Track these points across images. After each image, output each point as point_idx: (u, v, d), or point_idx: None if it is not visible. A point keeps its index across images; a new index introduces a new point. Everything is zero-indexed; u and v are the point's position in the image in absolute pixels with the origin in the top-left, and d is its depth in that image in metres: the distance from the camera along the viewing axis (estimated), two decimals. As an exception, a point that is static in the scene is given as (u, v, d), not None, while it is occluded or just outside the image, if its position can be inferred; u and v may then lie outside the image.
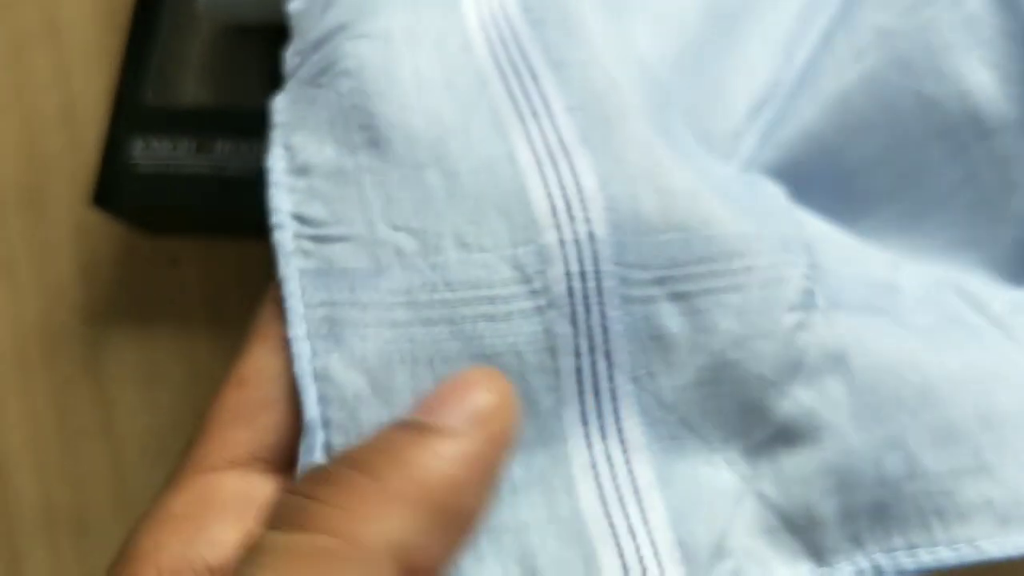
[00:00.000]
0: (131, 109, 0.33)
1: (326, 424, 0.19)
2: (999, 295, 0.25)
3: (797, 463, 0.20)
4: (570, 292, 0.19)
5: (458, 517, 0.17)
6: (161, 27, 0.35)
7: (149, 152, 0.33)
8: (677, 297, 0.20)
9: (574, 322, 0.19)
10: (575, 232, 0.19)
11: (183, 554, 0.18)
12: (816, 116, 0.26)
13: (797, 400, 0.20)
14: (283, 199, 0.21)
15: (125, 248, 0.36)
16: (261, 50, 0.34)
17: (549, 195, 0.20)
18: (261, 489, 0.19)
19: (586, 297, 0.19)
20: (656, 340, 0.20)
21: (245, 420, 0.20)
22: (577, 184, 0.20)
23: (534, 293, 0.19)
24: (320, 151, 0.21)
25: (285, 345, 0.20)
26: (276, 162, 0.21)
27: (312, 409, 0.19)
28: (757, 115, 0.27)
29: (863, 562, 0.20)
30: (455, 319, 0.19)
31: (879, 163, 0.26)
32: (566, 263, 0.19)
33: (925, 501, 0.20)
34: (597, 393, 0.19)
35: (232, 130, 0.32)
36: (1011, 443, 0.21)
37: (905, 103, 0.26)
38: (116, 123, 0.33)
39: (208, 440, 0.19)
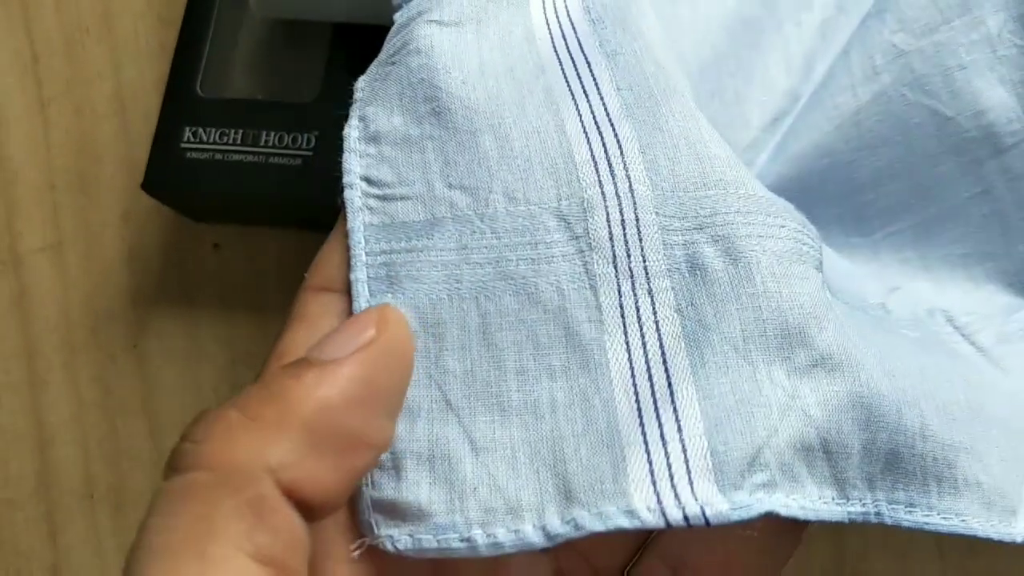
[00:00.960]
0: (183, 99, 0.35)
1: None
2: (988, 327, 0.26)
3: (837, 391, 0.20)
4: (611, 237, 0.21)
5: (339, 438, 0.18)
6: (213, 21, 0.36)
7: (198, 141, 0.34)
8: (718, 239, 0.21)
9: (615, 263, 0.21)
10: (616, 187, 0.21)
11: None
12: (830, 131, 0.27)
13: (833, 335, 0.20)
14: (355, 163, 0.23)
15: (171, 233, 0.38)
16: (309, 45, 0.35)
17: (593, 158, 0.22)
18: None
19: (627, 242, 0.21)
20: (699, 274, 0.21)
21: None
22: (620, 149, 0.22)
23: (576, 238, 0.21)
24: (389, 121, 0.23)
25: (325, 317, 0.21)
26: (351, 131, 0.23)
27: None
28: (774, 128, 0.28)
29: (870, 506, 0.20)
30: (500, 261, 0.21)
31: (892, 177, 0.27)
32: (607, 212, 0.21)
33: (931, 464, 0.21)
34: (641, 326, 0.20)
35: (278, 123, 0.34)
36: (995, 440, 0.22)
37: (919, 121, 0.26)
38: (168, 112, 0.34)
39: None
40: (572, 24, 0.25)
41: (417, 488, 0.20)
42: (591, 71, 0.23)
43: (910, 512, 0.21)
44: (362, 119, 0.23)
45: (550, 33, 0.24)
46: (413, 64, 0.23)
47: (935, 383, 0.22)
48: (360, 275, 0.22)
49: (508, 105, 0.22)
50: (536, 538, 0.19)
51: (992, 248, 0.28)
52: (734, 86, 0.28)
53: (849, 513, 0.20)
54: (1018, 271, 0.28)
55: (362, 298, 0.21)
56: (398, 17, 0.25)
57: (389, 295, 0.21)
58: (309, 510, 0.18)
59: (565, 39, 0.24)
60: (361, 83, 0.24)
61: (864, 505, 0.20)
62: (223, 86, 0.35)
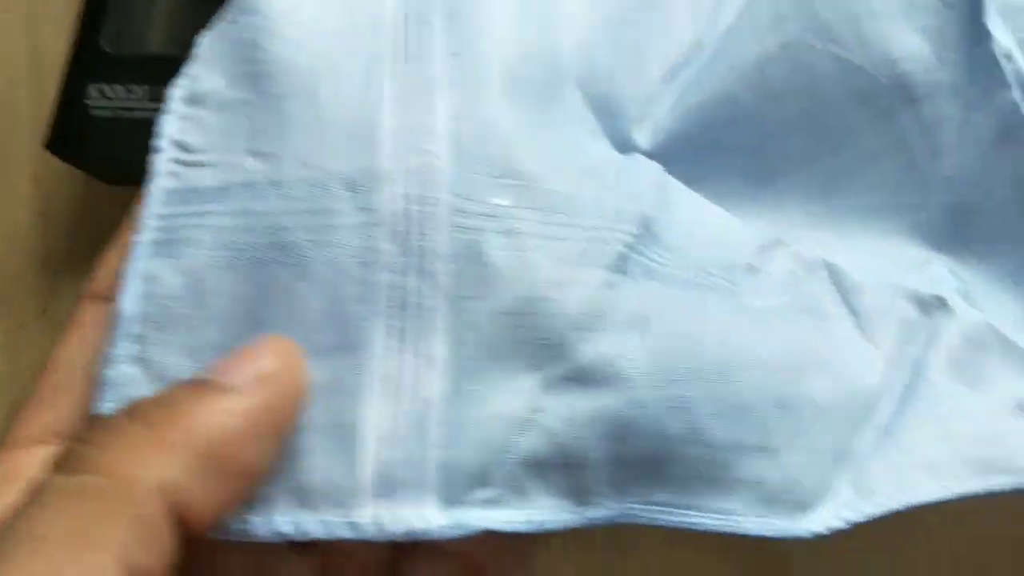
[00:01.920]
0: (88, 56, 0.33)
1: (144, 318, 0.20)
2: (876, 290, 0.26)
3: (585, 405, 0.20)
4: (399, 213, 0.20)
5: (232, 467, 0.18)
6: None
7: (103, 98, 0.33)
8: (507, 233, 0.20)
9: (398, 241, 0.20)
10: (414, 160, 0.20)
11: None
12: (733, 81, 0.26)
13: (597, 347, 0.20)
14: (171, 126, 0.22)
15: (83, 197, 0.37)
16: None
17: (398, 127, 0.21)
18: None
19: (415, 219, 0.20)
20: (480, 266, 0.20)
21: (49, 402, 0.21)
22: (432, 120, 0.21)
23: (362, 210, 0.20)
24: (212, 82, 0.22)
25: (91, 332, 0.21)
26: (176, 91, 0.22)
27: (129, 304, 0.20)
28: (674, 78, 0.27)
29: (619, 509, 0.21)
30: (280, 229, 0.20)
31: (795, 128, 0.26)
32: (399, 186, 0.20)
33: (699, 467, 0.21)
34: (408, 308, 0.20)
35: (185, 77, 0.32)
36: (808, 431, 0.22)
37: (825, 69, 0.26)
38: (72, 70, 0.33)
39: (19, 419, 0.21)
40: None
41: None
42: (426, 32, 0.22)
43: (670, 513, 0.21)
44: (190, 77, 0.22)
45: None
46: (244, 23, 0.22)
47: (741, 374, 0.22)
48: (142, 238, 0.21)
49: (329, 68, 0.21)
50: (262, 531, 0.19)
51: (906, 200, 0.27)
52: (636, 36, 0.27)
53: (588, 518, 0.20)
54: (932, 223, 0.27)
55: (135, 259, 0.21)
56: None
57: (161, 258, 0.20)
58: (185, 531, 0.18)
59: None
60: (202, 39, 0.23)
61: (611, 510, 0.21)
62: (130, 42, 0.34)
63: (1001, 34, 0.25)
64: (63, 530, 0.16)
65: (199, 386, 0.19)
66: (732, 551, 0.33)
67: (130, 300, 0.20)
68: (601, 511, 0.21)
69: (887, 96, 0.26)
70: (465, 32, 0.22)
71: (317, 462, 0.19)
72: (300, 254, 0.20)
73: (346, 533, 0.19)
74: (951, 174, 0.26)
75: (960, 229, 0.27)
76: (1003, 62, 0.25)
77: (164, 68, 0.32)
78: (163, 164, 0.22)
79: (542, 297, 0.20)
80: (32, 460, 0.20)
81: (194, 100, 0.22)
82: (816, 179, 0.27)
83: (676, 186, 0.25)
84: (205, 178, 0.21)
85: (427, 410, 0.20)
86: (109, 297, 0.21)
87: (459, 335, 0.20)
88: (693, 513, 0.21)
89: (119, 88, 0.33)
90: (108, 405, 0.20)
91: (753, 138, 0.27)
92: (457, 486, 0.19)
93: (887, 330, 0.25)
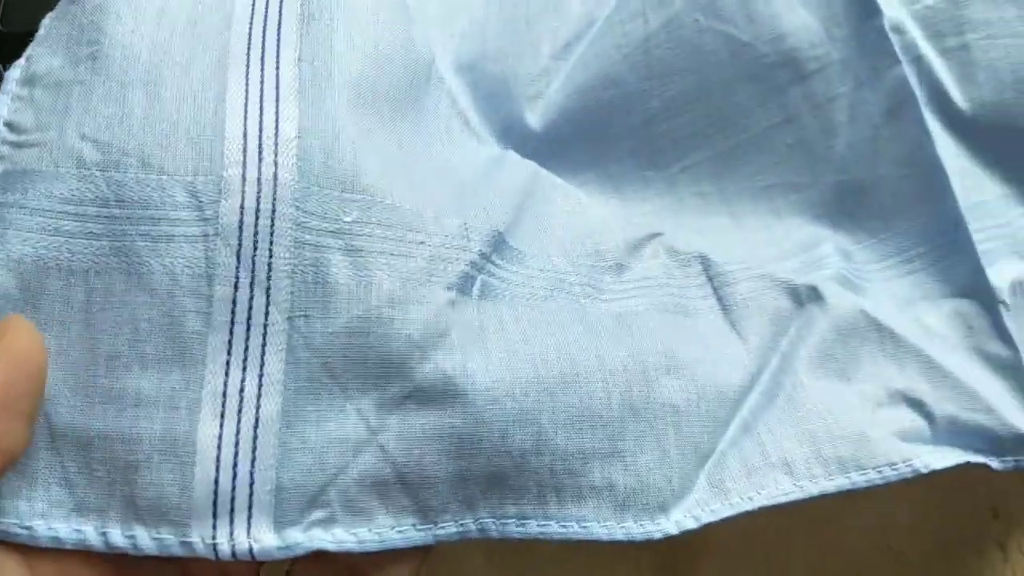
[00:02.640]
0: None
1: None
2: (750, 282, 0.26)
3: (423, 424, 0.20)
4: (241, 225, 0.19)
5: None
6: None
7: None
8: (350, 251, 0.20)
9: (239, 254, 0.19)
10: (260, 172, 0.19)
11: None
12: (619, 61, 0.26)
13: (438, 366, 0.20)
14: (3, 107, 0.21)
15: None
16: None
17: (245, 135, 0.20)
18: None
19: (257, 233, 0.19)
20: (320, 285, 0.20)
21: None
22: (277, 129, 0.20)
23: (203, 220, 0.19)
24: (49, 62, 0.21)
25: None
26: (13, 71, 0.21)
27: None
28: (566, 54, 0.26)
29: (470, 524, 0.20)
30: (119, 234, 0.19)
31: (685, 107, 0.26)
32: (243, 198, 0.19)
33: (547, 477, 0.21)
34: (248, 326, 0.19)
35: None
36: (663, 434, 0.22)
37: (712, 47, 0.25)
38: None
39: None
40: None
41: None
42: (279, 34, 0.21)
43: (522, 525, 0.21)
44: (28, 58, 0.21)
45: None
46: (88, 5, 0.21)
47: (586, 382, 0.22)
48: None
49: (173, 62, 0.20)
50: (97, 543, 0.19)
51: (798, 179, 0.27)
52: (526, 12, 0.26)
53: (437, 536, 0.20)
54: (824, 201, 0.27)
55: None
56: None
57: None
58: None
59: None
60: (45, 20, 0.22)
61: (462, 525, 0.20)
62: (28, 20, 0.33)
63: (891, 7, 0.25)
64: None
65: None
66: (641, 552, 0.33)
67: None
68: (451, 528, 0.20)
69: (776, 73, 0.25)
70: (318, 37, 0.21)
71: (152, 477, 0.19)
72: (138, 261, 0.19)
73: (179, 552, 0.18)
74: (842, 152, 0.26)
75: (852, 207, 0.27)
76: (892, 36, 0.25)
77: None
78: None
79: (381, 317, 0.20)
80: None
81: (29, 80, 0.21)
82: (707, 160, 0.27)
83: (550, 185, 0.25)
84: (34, 160, 0.20)
85: (261, 430, 0.19)
86: None
87: (296, 354, 0.19)
88: (544, 523, 0.21)
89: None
90: None
91: (640, 119, 0.26)
92: (290, 507, 0.19)
93: (758, 322, 0.25)
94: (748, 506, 0.23)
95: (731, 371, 0.24)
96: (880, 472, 0.23)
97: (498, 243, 0.22)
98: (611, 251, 0.24)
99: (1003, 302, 0.25)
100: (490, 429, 0.20)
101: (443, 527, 0.20)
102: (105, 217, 0.19)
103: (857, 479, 0.23)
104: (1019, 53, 0.25)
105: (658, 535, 0.21)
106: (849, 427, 0.24)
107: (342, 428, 0.19)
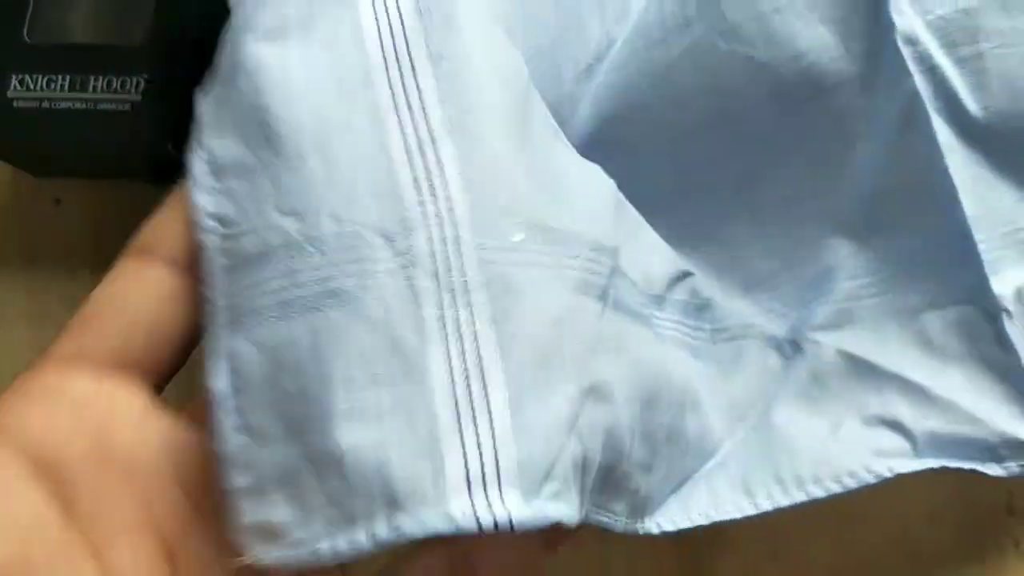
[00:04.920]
0: (9, 47, 0.33)
1: (235, 392, 0.21)
2: (747, 334, 0.28)
3: (598, 416, 0.22)
4: (432, 254, 0.21)
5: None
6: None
7: (25, 89, 0.32)
8: (526, 264, 0.22)
9: (437, 277, 0.21)
10: (437, 207, 0.21)
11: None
12: (644, 88, 0.26)
13: (600, 368, 0.22)
14: (205, 200, 0.22)
15: (11, 190, 0.36)
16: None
17: (415, 179, 0.21)
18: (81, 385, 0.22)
19: (447, 258, 0.21)
20: (511, 293, 0.21)
21: (84, 329, 0.23)
22: (441, 170, 0.22)
23: (399, 255, 0.21)
24: (230, 151, 0.22)
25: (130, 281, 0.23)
26: (197, 163, 0.23)
27: (221, 383, 0.21)
28: (589, 77, 0.27)
29: (587, 510, 0.23)
30: (327, 279, 0.21)
31: (708, 129, 0.27)
32: (429, 230, 0.21)
33: (620, 478, 0.24)
34: (460, 336, 0.21)
35: (107, 67, 0.32)
36: (674, 461, 0.26)
37: (734, 70, 0.26)
38: (-8, 61, 0.33)
39: (57, 342, 0.22)
40: (400, 16, 0.23)
41: (276, 508, 0.20)
42: (416, 80, 0.23)
43: (593, 512, 0.23)
44: (207, 149, 0.23)
45: (379, 31, 0.23)
46: (243, 87, 0.22)
47: (665, 405, 0.25)
48: (216, 320, 0.22)
49: (335, 124, 0.22)
50: (368, 544, 0.20)
51: (817, 188, 0.28)
52: (546, 36, 0.27)
53: (580, 518, 0.22)
54: (842, 209, 0.28)
55: (217, 340, 0.21)
56: (228, 29, 0.24)
57: (236, 335, 0.21)
58: None
59: (393, 37, 0.23)
60: (204, 103, 0.23)
61: (585, 510, 0.23)
62: (52, 31, 0.34)
63: (905, 19, 0.25)
64: None
65: None
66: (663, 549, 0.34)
67: (221, 380, 0.21)
68: (583, 512, 0.22)
69: (795, 91, 0.26)
70: (452, 74, 0.23)
71: (406, 472, 0.20)
72: (350, 297, 0.21)
73: (442, 527, 0.20)
74: (859, 162, 0.27)
75: (868, 215, 0.27)
76: (905, 49, 0.25)
77: (82, 56, 0.33)
78: (213, 244, 0.22)
79: (564, 320, 0.22)
80: (70, 377, 0.22)
81: (218, 171, 0.22)
82: (733, 175, 0.27)
83: (625, 207, 0.26)
84: (248, 246, 0.21)
85: (496, 422, 0.21)
86: (147, 251, 0.23)
87: (507, 352, 0.21)
88: (600, 513, 0.24)
89: (40, 78, 0.32)
90: (238, 480, 0.21)
91: (666, 141, 0.27)
92: (533, 481, 0.21)
93: (745, 377, 0.28)
94: (703, 521, 0.26)
95: (721, 421, 0.27)
96: (839, 482, 0.26)
97: (617, 262, 0.24)
98: (657, 280, 0.26)
99: (1006, 310, 0.26)
100: (620, 431, 0.23)
101: (582, 510, 0.22)
102: (313, 268, 0.21)
103: (814, 491, 0.26)
104: (1033, 61, 0.26)
105: (635, 533, 0.25)
106: (810, 450, 0.26)
107: (558, 412, 0.21)
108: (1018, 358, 0.26)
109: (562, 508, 0.21)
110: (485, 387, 0.21)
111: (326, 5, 0.24)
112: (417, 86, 0.22)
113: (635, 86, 0.26)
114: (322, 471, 0.20)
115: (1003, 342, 0.26)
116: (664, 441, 0.25)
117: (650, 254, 0.26)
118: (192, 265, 0.22)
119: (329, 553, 0.20)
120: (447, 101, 0.22)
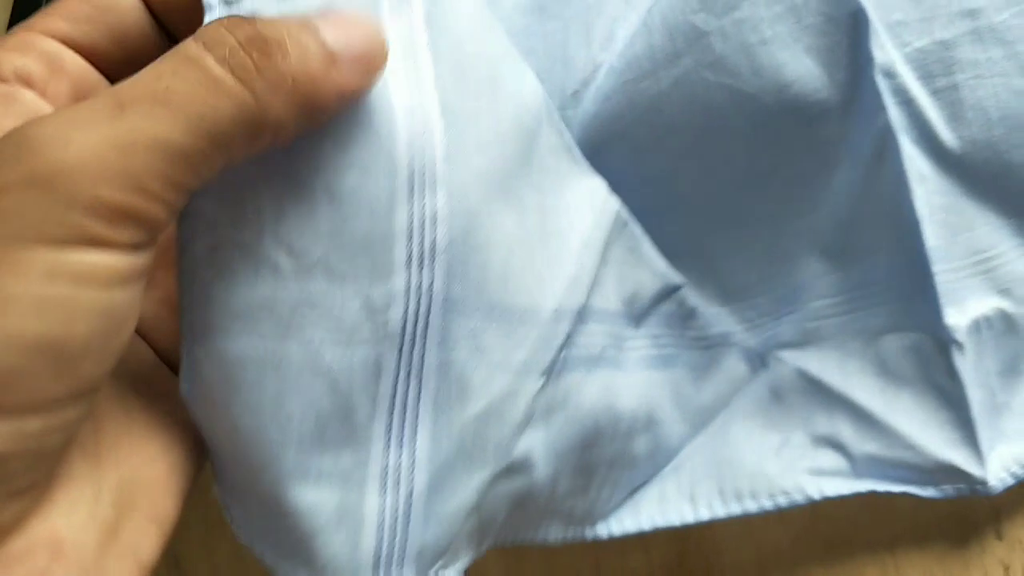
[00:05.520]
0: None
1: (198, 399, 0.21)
2: (721, 342, 0.30)
3: (508, 489, 0.24)
4: (403, 330, 0.22)
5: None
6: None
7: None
8: (478, 349, 0.23)
9: (400, 352, 0.22)
10: (420, 280, 0.21)
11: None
12: (632, 119, 0.27)
13: (523, 443, 0.24)
14: (201, 198, 0.20)
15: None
16: None
17: (409, 243, 0.21)
18: (69, 57, 0.21)
19: (415, 336, 0.22)
20: (457, 380, 0.23)
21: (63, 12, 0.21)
22: (435, 240, 0.21)
23: (376, 327, 0.21)
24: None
25: None
26: None
27: (184, 385, 0.21)
28: (576, 103, 0.28)
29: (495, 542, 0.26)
30: (305, 334, 0.21)
31: (694, 154, 0.27)
32: (407, 306, 0.21)
33: (545, 506, 0.26)
34: (405, 413, 0.22)
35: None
36: (620, 479, 0.28)
37: (719, 101, 0.26)
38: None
39: (42, 15, 0.21)
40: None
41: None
42: (428, 138, 0.21)
43: (518, 537, 0.27)
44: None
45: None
46: None
47: (603, 444, 0.26)
48: (184, 324, 0.21)
49: (350, 165, 0.21)
50: None
51: (798, 209, 0.28)
52: (538, 65, 0.27)
53: (482, 552, 0.25)
54: (819, 230, 0.29)
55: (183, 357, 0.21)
56: None
57: (201, 344, 0.21)
58: None
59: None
60: None
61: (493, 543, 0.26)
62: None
63: (884, 52, 0.26)
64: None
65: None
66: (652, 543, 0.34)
67: (185, 384, 0.21)
68: (487, 546, 0.26)
69: (780, 120, 0.26)
70: (454, 134, 0.22)
71: (329, 540, 0.22)
72: (323, 359, 0.21)
73: None
74: (837, 188, 0.28)
75: (843, 238, 0.28)
76: (882, 83, 0.26)
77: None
78: (199, 248, 0.20)
79: (500, 408, 0.23)
80: (45, 42, 0.21)
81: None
82: (715, 194, 0.28)
83: (626, 227, 0.27)
84: (237, 260, 0.20)
85: (415, 501, 0.22)
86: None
87: (438, 437, 0.22)
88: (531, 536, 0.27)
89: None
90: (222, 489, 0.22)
91: (655, 173, 0.28)
92: (427, 560, 0.23)
93: (715, 383, 0.29)
94: (649, 526, 0.28)
95: (681, 426, 0.28)
96: (772, 499, 0.28)
97: (580, 315, 0.25)
98: (644, 297, 0.27)
99: (957, 342, 0.27)
100: (540, 485, 0.25)
101: (485, 548, 0.26)
102: (297, 319, 0.21)
103: (749, 505, 0.28)
104: (1006, 91, 0.27)
105: (586, 539, 0.28)
106: (753, 464, 0.28)
107: (465, 498, 0.23)
108: (963, 389, 0.27)
109: (450, 572, 0.24)
110: (413, 466, 0.22)
111: None
112: (426, 165, 0.21)
113: (622, 116, 0.27)
114: (270, 515, 0.22)
115: (952, 373, 0.28)
116: (606, 467, 0.26)
117: (643, 270, 0.27)
118: None
119: None
120: (441, 186, 0.21)
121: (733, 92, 0.26)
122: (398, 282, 0.21)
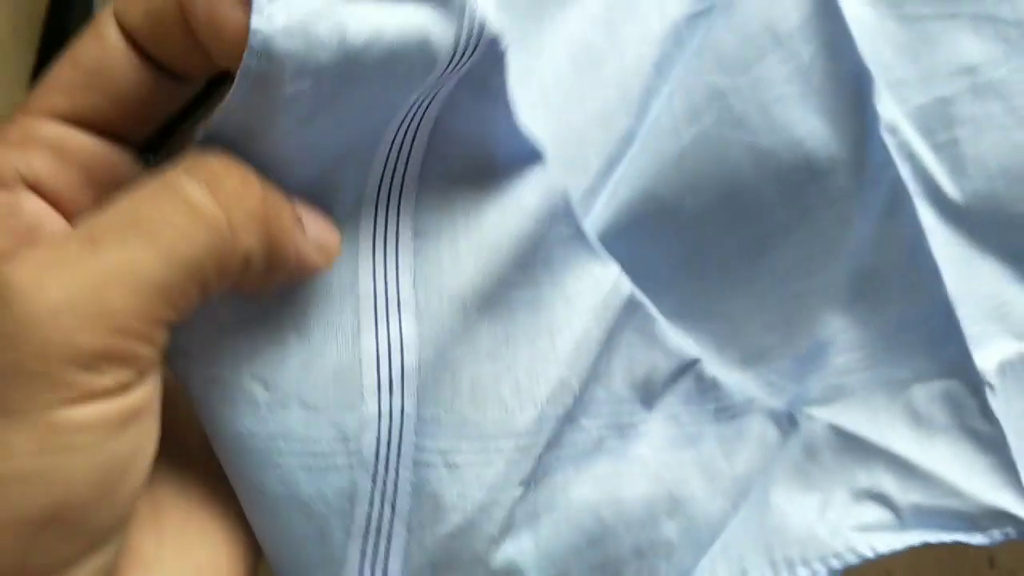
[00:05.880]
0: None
1: None
2: (747, 408, 0.29)
3: None
4: (376, 455, 0.22)
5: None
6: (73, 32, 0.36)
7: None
8: (451, 467, 0.23)
9: (374, 479, 0.22)
10: (391, 405, 0.22)
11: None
12: (655, 176, 0.27)
13: (504, 553, 0.24)
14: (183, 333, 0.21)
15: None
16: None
17: (378, 369, 0.22)
18: (74, 139, 0.20)
19: (388, 459, 0.22)
20: (431, 498, 0.23)
21: (59, 88, 0.20)
22: (403, 365, 0.22)
23: (349, 453, 0.22)
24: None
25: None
26: None
27: None
28: (610, 172, 0.28)
29: None
30: (282, 465, 0.22)
31: (714, 209, 0.28)
32: (379, 430, 0.22)
33: None
34: (378, 534, 0.23)
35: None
36: (653, 567, 0.26)
37: (738, 156, 0.27)
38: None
39: (32, 97, 0.20)
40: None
41: None
42: (397, 259, 0.23)
43: None
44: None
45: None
46: None
47: (608, 534, 0.26)
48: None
49: (316, 298, 0.22)
50: None
51: (815, 263, 0.29)
52: (576, 123, 0.28)
53: None
54: (836, 284, 0.29)
55: None
56: None
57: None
58: None
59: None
60: None
61: None
62: None
63: (887, 109, 0.27)
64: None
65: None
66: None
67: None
68: None
69: (795, 174, 0.27)
70: (429, 254, 0.23)
71: None
72: (298, 488, 0.22)
73: None
74: (853, 240, 0.28)
75: (860, 291, 0.29)
76: (888, 138, 0.27)
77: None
78: (183, 369, 0.21)
79: (474, 522, 0.23)
80: (46, 128, 0.20)
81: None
82: (734, 252, 0.28)
83: (634, 310, 0.26)
84: (215, 393, 0.21)
85: None
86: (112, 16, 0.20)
87: (412, 555, 0.23)
88: None
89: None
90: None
91: (675, 227, 0.28)
92: None
93: (747, 452, 0.28)
94: None
95: (721, 501, 0.28)
96: (825, 562, 0.27)
97: (568, 416, 0.25)
98: (658, 379, 0.27)
99: (989, 384, 0.28)
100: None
101: None
102: (273, 450, 0.22)
103: (802, 572, 0.27)
104: (1006, 144, 0.28)
105: None
106: (799, 529, 0.28)
107: None
108: (1001, 430, 0.28)
109: None
110: None
111: None
112: (397, 268, 0.22)
113: (647, 175, 0.27)
114: None
115: (987, 415, 0.28)
116: (635, 558, 0.26)
117: (656, 351, 0.27)
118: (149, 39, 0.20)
119: None
120: (419, 286, 0.23)
121: (751, 147, 0.27)
122: (369, 408, 0.22)
